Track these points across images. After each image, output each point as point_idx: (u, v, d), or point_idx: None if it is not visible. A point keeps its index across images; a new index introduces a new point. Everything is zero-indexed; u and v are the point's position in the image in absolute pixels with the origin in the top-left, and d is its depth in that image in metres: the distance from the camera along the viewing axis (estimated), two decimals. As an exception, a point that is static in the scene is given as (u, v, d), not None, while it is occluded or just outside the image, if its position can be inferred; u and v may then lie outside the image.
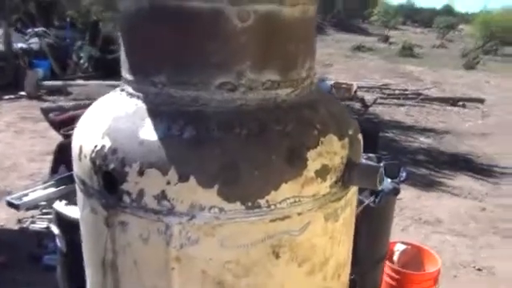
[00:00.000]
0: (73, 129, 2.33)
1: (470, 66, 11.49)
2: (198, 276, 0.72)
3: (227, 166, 0.68)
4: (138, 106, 0.76)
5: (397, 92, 8.55)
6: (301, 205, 0.72)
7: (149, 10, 0.74)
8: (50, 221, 2.80)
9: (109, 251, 0.77)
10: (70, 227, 1.90)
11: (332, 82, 7.55)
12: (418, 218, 4.24)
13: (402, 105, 8.21)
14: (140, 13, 0.75)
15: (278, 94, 0.77)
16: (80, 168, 0.78)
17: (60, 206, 2.07)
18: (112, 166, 0.72)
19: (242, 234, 0.71)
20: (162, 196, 0.69)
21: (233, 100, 0.74)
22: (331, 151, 0.75)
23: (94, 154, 0.74)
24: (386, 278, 2.44)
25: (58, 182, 2.13)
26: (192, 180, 0.68)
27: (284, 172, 0.70)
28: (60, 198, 2.09)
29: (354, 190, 0.83)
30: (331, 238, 0.79)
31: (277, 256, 0.73)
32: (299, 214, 0.73)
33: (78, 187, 0.82)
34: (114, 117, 0.76)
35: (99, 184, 0.74)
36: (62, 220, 2.01)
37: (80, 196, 0.82)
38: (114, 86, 0.87)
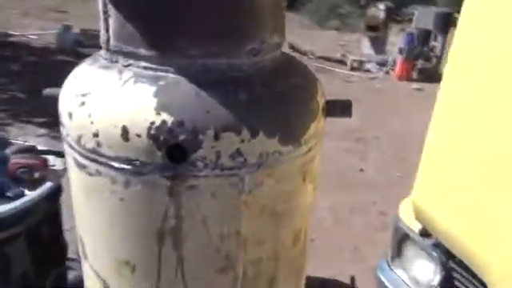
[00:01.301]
0: None
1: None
2: (259, 211, 0.87)
3: (283, 117, 0.84)
4: (175, 78, 0.80)
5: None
6: (316, 137, 0.94)
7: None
8: None
9: (170, 218, 0.83)
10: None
11: (78, 30, 7.09)
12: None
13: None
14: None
15: (277, 54, 0.93)
16: (128, 148, 0.78)
17: None
18: (182, 137, 0.77)
19: (290, 168, 0.88)
20: (237, 153, 0.80)
21: (256, 63, 0.87)
22: (321, 93, 0.97)
23: (153, 131, 0.77)
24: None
25: None
26: (261, 134, 0.81)
27: (312, 115, 0.90)
28: None
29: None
30: (319, 159, 1.04)
31: (304, 180, 0.94)
32: (315, 144, 0.94)
33: (114, 171, 0.81)
34: (154, 92, 0.79)
35: (163, 158, 0.78)
36: None
37: (120, 179, 0.81)
38: None
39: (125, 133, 0.78)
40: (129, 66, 0.84)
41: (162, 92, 0.79)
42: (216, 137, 0.78)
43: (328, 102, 1.00)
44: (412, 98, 6.90)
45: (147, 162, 0.79)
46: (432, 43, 7.94)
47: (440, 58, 7.99)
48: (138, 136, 0.78)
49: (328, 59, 8.14)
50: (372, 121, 6.04)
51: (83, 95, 0.83)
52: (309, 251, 1.10)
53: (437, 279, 2.08)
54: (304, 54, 8.16)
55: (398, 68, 7.92)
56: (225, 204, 0.83)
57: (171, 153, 0.78)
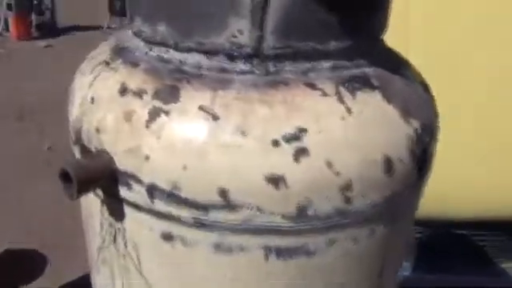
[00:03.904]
0: None
1: None
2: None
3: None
4: (377, 70, 0.58)
5: None
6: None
7: None
8: None
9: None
10: None
11: None
12: None
13: None
14: None
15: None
16: (387, 185, 0.54)
17: None
18: (427, 141, 0.59)
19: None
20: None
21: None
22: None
23: (415, 147, 0.56)
24: None
25: None
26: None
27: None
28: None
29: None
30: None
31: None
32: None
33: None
34: (383, 96, 0.55)
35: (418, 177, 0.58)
36: None
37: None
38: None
39: (388, 165, 0.53)
40: (308, 72, 0.54)
41: (391, 92, 0.56)
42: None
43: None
44: (48, 57, 6.37)
45: (406, 191, 0.58)
46: (40, -5, 7.36)
47: (53, 10, 7.57)
48: (401, 161, 0.55)
49: None
50: (25, 92, 5.27)
51: (297, 137, 0.49)
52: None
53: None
54: None
55: (12, 27, 7.00)
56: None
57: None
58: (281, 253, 0.53)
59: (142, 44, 0.59)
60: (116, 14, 7.72)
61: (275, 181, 0.49)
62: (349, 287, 0.60)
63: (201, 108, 0.50)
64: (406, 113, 0.56)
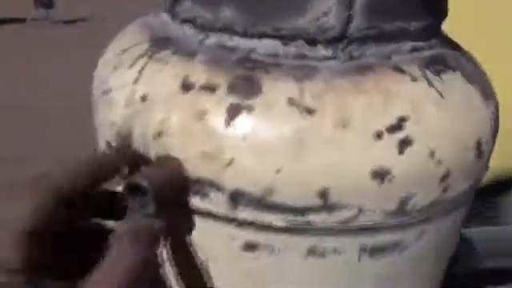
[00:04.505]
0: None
1: None
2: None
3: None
4: (451, 52, 0.55)
5: None
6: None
7: None
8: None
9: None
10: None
11: None
12: None
13: None
14: None
15: None
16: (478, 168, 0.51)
17: None
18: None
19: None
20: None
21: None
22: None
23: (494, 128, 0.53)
24: None
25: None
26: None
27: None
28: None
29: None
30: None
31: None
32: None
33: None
34: (463, 78, 0.52)
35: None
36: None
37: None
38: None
39: (479, 149, 0.50)
40: (391, 55, 0.49)
41: (468, 73, 0.53)
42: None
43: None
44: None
45: (485, 173, 0.56)
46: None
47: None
48: (487, 144, 0.52)
49: None
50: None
51: (399, 127, 0.44)
52: None
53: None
54: None
55: None
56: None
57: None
58: (374, 251, 0.49)
59: (192, 31, 0.51)
60: (42, 6, 7.24)
61: (381, 175, 0.44)
62: (432, 276, 0.58)
63: (290, 101, 0.44)
64: (485, 94, 0.54)
